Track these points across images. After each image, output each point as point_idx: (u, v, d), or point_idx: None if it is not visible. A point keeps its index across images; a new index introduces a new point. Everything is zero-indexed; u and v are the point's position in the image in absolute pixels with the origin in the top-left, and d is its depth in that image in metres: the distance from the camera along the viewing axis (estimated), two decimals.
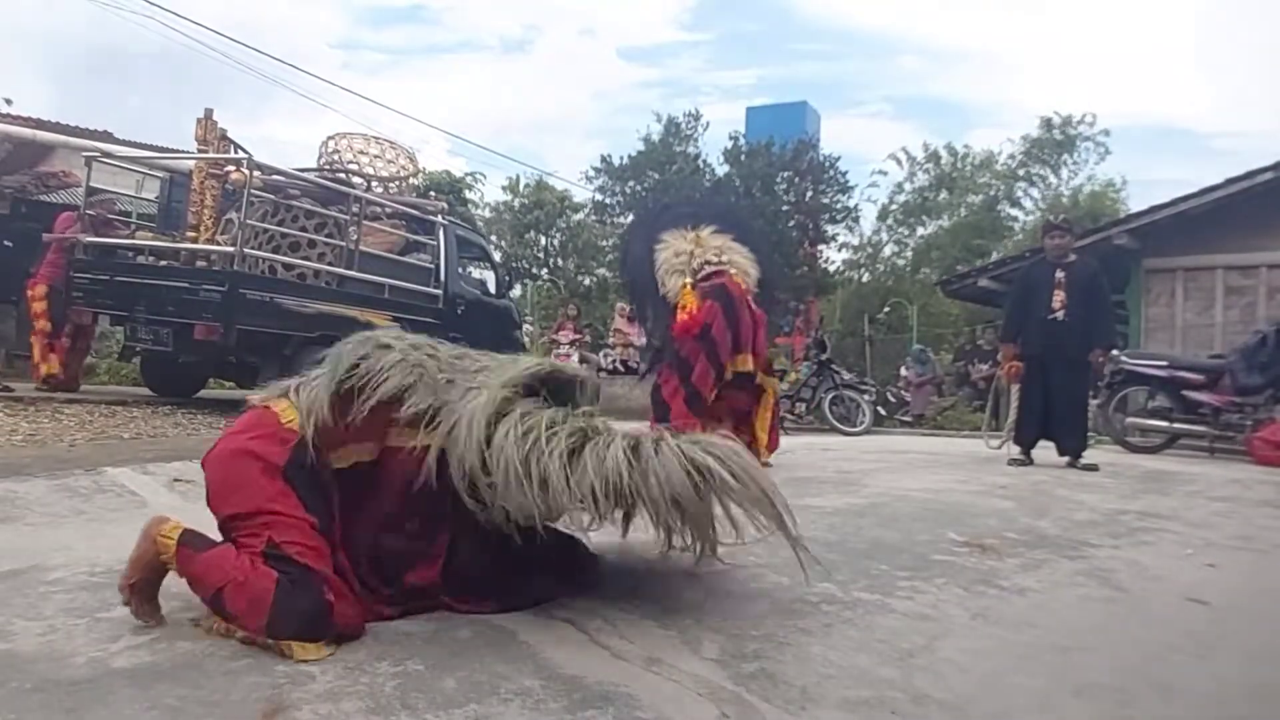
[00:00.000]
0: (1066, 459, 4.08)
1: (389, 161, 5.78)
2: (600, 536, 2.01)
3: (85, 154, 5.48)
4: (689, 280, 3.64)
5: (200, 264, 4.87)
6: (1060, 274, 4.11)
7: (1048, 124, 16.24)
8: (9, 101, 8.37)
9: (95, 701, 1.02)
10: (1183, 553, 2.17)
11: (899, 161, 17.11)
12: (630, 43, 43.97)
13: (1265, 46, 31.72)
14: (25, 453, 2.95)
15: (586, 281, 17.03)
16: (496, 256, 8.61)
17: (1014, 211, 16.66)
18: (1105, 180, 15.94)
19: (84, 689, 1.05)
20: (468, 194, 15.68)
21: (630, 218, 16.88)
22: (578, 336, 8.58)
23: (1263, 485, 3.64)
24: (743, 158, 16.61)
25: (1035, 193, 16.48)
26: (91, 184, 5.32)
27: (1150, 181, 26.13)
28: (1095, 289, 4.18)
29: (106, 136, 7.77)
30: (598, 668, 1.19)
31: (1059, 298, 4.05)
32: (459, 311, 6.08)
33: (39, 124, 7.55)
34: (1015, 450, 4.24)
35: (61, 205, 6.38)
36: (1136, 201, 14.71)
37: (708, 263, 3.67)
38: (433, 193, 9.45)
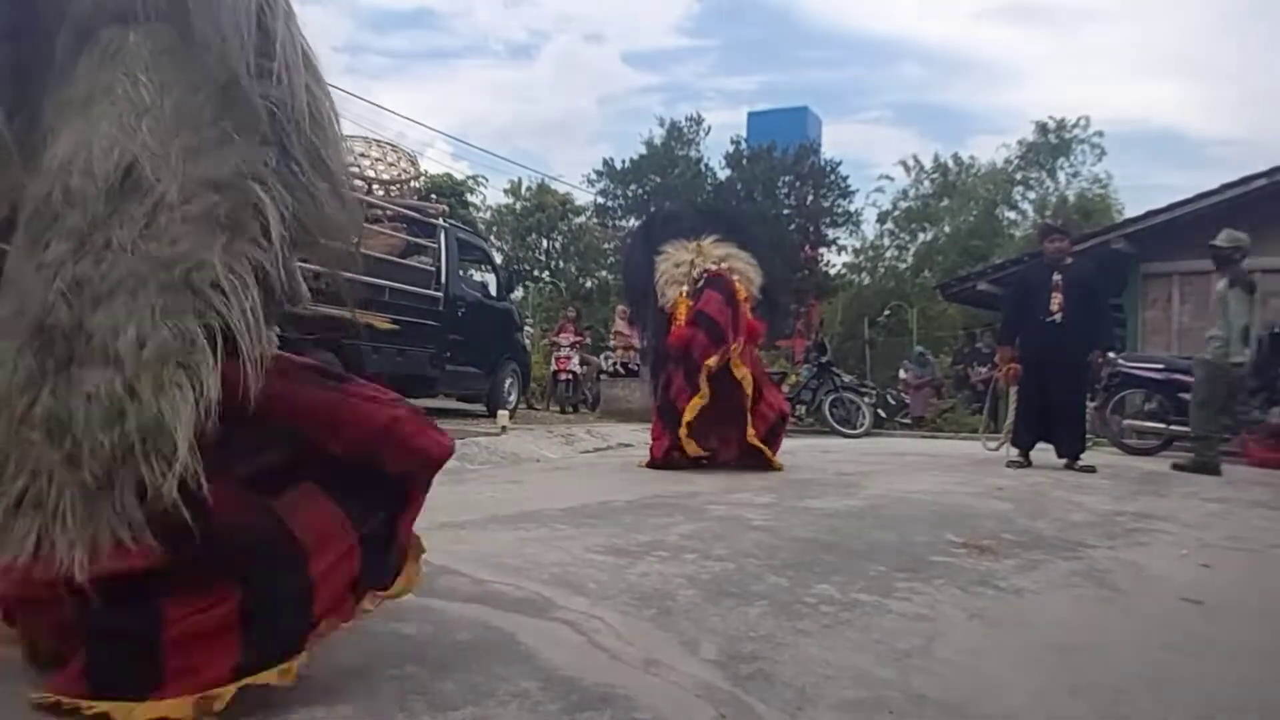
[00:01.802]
0: (1064, 461, 4.09)
1: (390, 165, 5.79)
2: (598, 538, 2.02)
3: None
4: (685, 289, 3.67)
5: None
6: (1057, 277, 4.12)
7: (1043, 129, 16.38)
8: None
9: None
10: (1178, 553, 2.18)
11: (907, 168, 17.24)
12: (635, 48, 44.14)
13: (1260, 55, 32.03)
14: None
15: (588, 284, 17.08)
16: (498, 259, 8.62)
17: (1011, 215, 16.80)
18: (1092, 177, 16.11)
19: None
20: (469, 197, 15.70)
21: (632, 221, 16.96)
22: (578, 339, 8.59)
23: (1257, 487, 3.66)
24: (744, 162, 16.70)
25: (1033, 195, 16.62)
26: None
27: (1146, 187, 26.37)
28: (1092, 292, 4.20)
29: None
30: (596, 669, 1.19)
31: (1056, 300, 4.06)
32: (460, 314, 6.09)
33: None
34: (1013, 452, 4.25)
35: None
36: (1132, 206, 14.85)
37: (707, 271, 3.70)
38: (434, 196, 9.48)
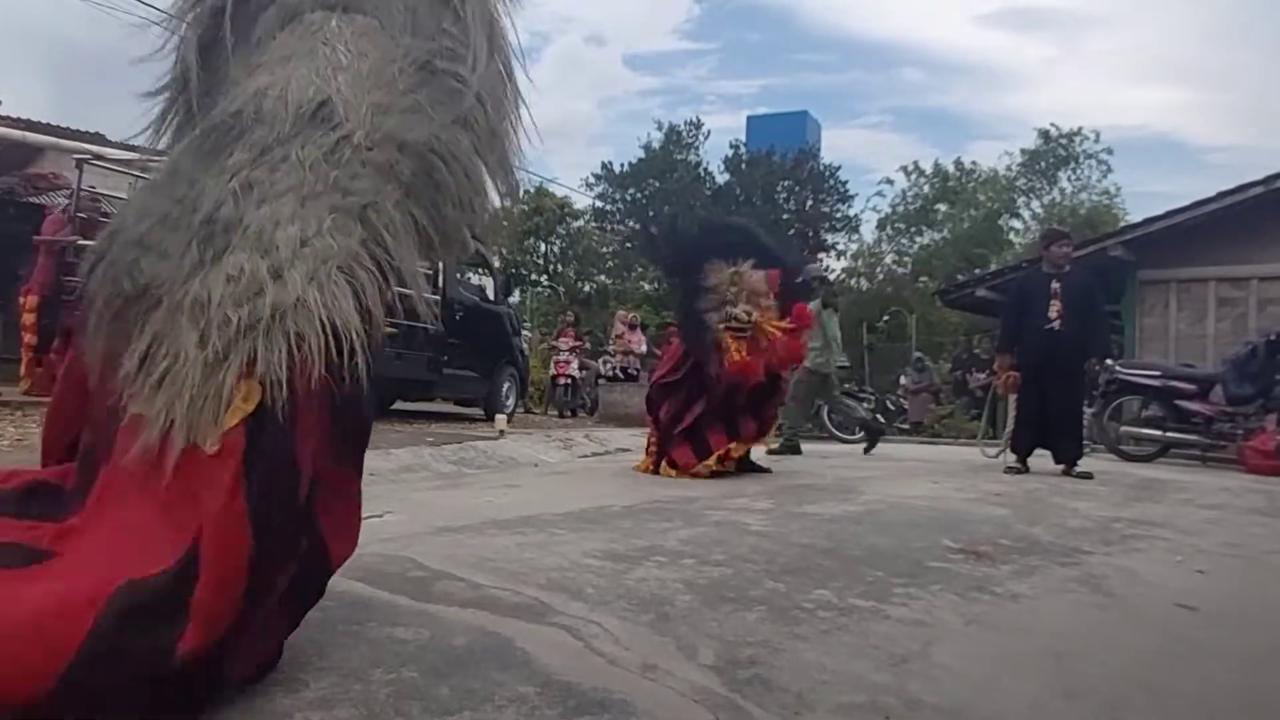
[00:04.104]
0: (1062, 467, 4.10)
1: None
2: (596, 543, 2.02)
3: (76, 156, 5.46)
4: (723, 326, 3.63)
5: None
6: (1056, 285, 4.12)
7: (1045, 136, 16.46)
8: None
9: None
10: (1173, 560, 2.19)
11: (907, 172, 17.33)
12: (636, 51, 44.30)
13: (1258, 62, 32.33)
14: (13, 458, 2.93)
15: (586, 288, 17.08)
16: (496, 262, 8.61)
17: (1014, 223, 16.89)
18: (1101, 189, 16.20)
19: None
20: None
21: (632, 224, 16.94)
22: (577, 343, 8.59)
23: (1252, 493, 3.66)
24: (743, 166, 16.77)
25: (1035, 205, 16.72)
26: (83, 186, 5.30)
27: (1144, 194, 26.47)
28: (1090, 299, 4.21)
29: (98, 139, 7.71)
30: (593, 674, 1.19)
31: (1055, 308, 4.06)
32: (457, 317, 6.08)
33: (29, 125, 7.50)
34: (1011, 458, 4.26)
35: (50, 207, 6.36)
36: (1131, 213, 14.93)
37: (736, 318, 3.65)
38: None
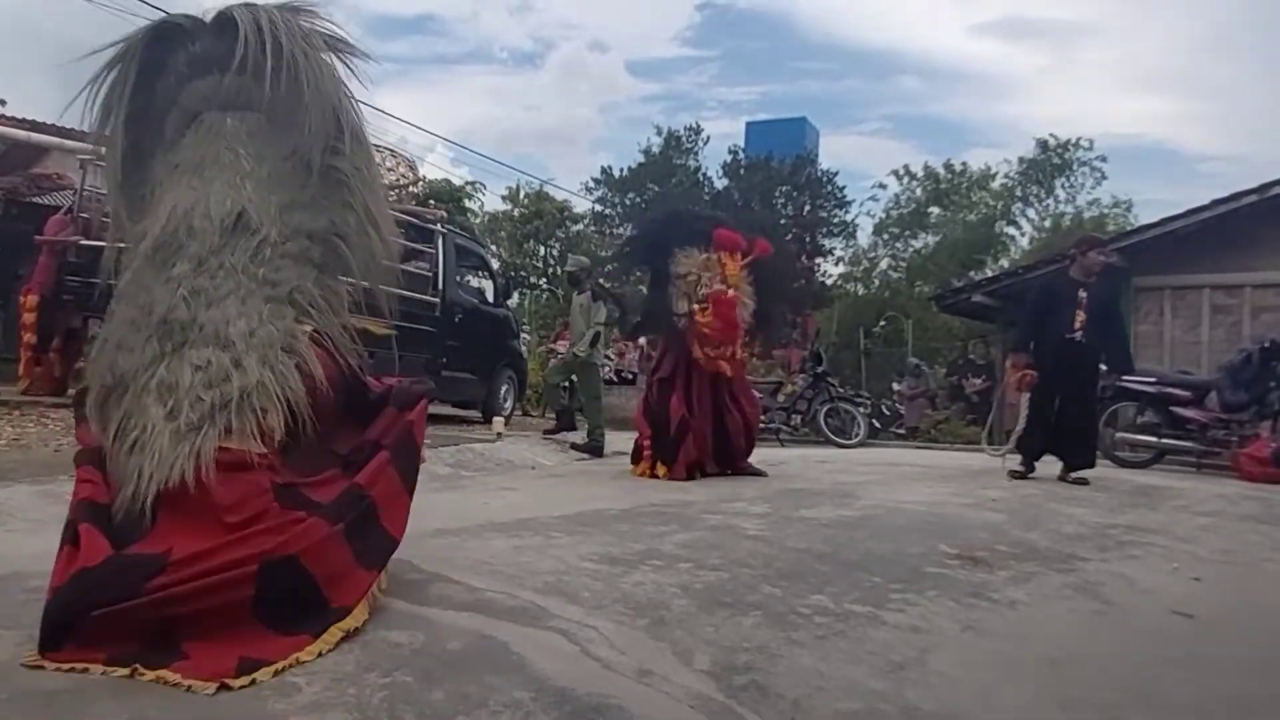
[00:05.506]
0: (1058, 472, 4.08)
1: (388, 170, 5.81)
2: (592, 546, 2.01)
3: (80, 156, 5.45)
4: (696, 305, 3.73)
5: None
6: (1083, 294, 4.03)
7: (1044, 146, 16.57)
8: (3, 102, 8.27)
9: (74, 713, 1.00)
10: (1169, 567, 2.19)
11: (899, 177, 17.41)
12: (637, 57, 44.55)
13: (1252, 72, 32.65)
14: (10, 457, 2.91)
15: None
16: (495, 265, 8.61)
17: (1010, 230, 16.97)
18: (1113, 200, 16.31)
19: (63, 699, 1.04)
20: (467, 203, 15.74)
21: (630, 229, 16.98)
22: None
23: (1248, 501, 3.66)
24: (742, 171, 16.81)
25: (1032, 213, 16.81)
26: (87, 186, 5.29)
27: (1139, 202, 26.53)
28: (1113, 312, 4.14)
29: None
30: (589, 679, 1.18)
31: (1080, 318, 3.98)
32: (456, 319, 6.08)
33: (34, 125, 7.50)
34: (1012, 461, 4.22)
35: (53, 207, 6.35)
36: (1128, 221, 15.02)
37: (713, 294, 3.73)
38: (432, 201, 9.48)
